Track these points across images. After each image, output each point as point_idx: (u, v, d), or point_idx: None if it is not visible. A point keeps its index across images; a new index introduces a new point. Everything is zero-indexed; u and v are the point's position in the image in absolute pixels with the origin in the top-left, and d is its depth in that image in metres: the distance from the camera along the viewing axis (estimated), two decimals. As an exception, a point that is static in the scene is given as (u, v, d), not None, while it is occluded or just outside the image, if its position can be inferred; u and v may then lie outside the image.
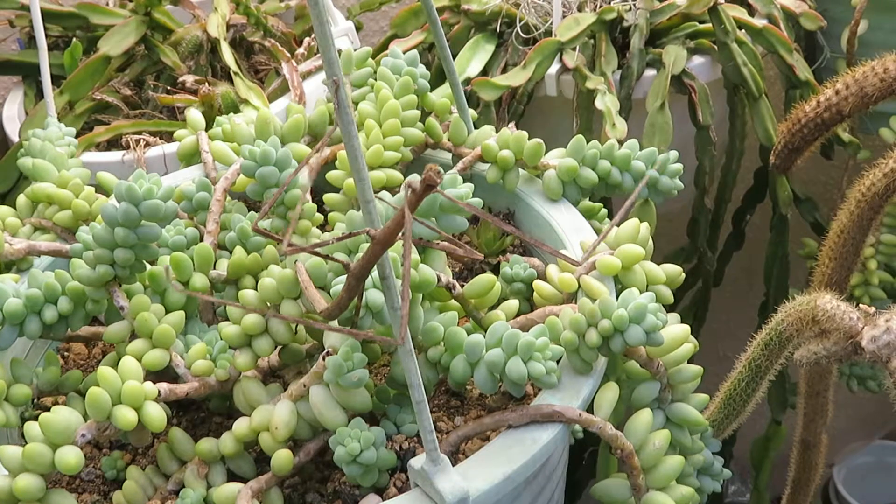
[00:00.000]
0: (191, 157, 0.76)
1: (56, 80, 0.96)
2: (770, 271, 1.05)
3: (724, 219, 1.07)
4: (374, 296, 0.55)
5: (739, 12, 0.97)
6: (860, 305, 0.61)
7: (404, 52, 0.74)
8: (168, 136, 0.92)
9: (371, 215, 0.46)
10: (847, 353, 0.61)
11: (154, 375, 0.58)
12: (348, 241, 0.58)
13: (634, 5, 0.97)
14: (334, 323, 0.55)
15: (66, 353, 0.70)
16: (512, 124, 0.75)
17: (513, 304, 0.63)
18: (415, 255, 0.57)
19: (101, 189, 0.71)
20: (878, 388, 1.03)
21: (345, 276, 0.56)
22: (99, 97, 0.97)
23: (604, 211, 0.77)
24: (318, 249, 0.51)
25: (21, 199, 0.69)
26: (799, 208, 1.04)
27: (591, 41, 0.95)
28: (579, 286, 0.63)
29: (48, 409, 0.65)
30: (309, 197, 0.67)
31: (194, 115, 0.77)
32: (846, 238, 0.79)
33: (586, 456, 1.17)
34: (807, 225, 1.07)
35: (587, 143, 0.71)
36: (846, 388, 1.04)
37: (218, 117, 0.76)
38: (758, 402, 0.73)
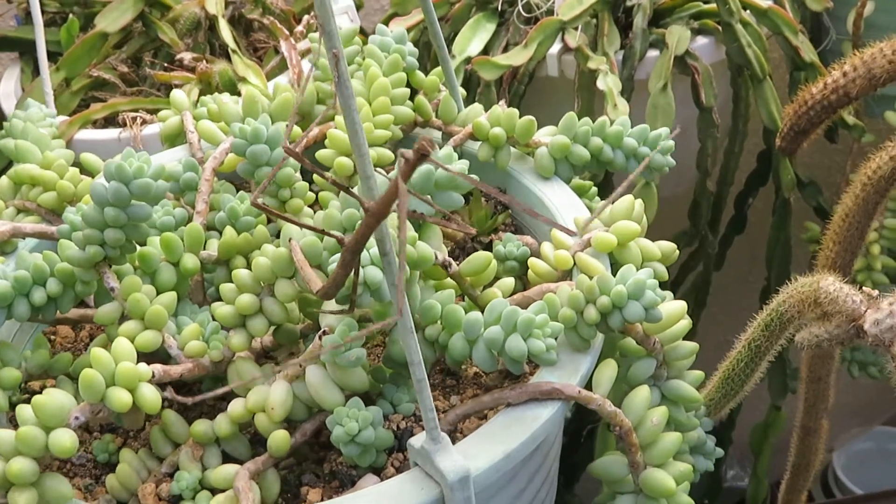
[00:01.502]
0: (175, 137, 0.78)
1: (53, 56, 0.98)
2: (772, 255, 1.07)
3: (726, 202, 1.09)
4: (372, 273, 0.56)
5: (745, -8, 0.98)
6: (863, 289, 0.63)
7: (393, 30, 0.76)
8: (166, 114, 0.93)
9: (372, 191, 0.48)
10: (849, 336, 0.63)
11: (146, 357, 0.59)
12: (343, 218, 0.59)
13: (638, -16, 0.98)
14: (332, 303, 0.57)
15: (52, 337, 0.71)
16: (503, 101, 0.76)
17: (508, 281, 0.65)
18: (412, 232, 0.59)
19: (85, 170, 0.73)
20: (878, 375, 1.05)
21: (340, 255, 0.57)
22: (96, 74, 0.98)
23: (594, 189, 0.79)
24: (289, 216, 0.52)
25: (3, 181, 0.70)
26: (802, 192, 1.06)
27: (594, 21, 0.96)
28: (574, 263, 0.65)
29: (37, 393, 0.66)
30: (299, 175, 0.68)
31: (178, 95, 0.78)
32: (851, 222, 0.81)
33: (584, 436, 1.19)
34: (809, 209, 1.08)
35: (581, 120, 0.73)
36: (847, 373, 1.06)
37: (203, 97, 0.77)
38: (757, 385, 0.75)
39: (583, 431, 1.19)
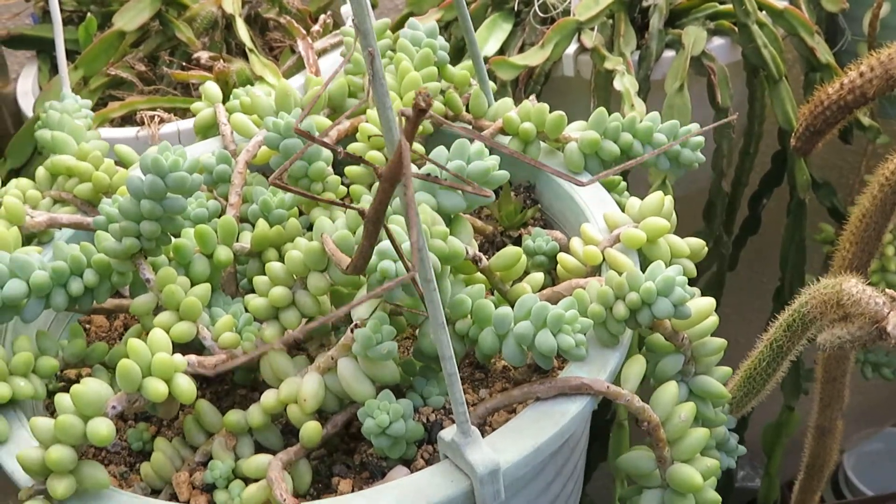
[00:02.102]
0: (207, 129, 0.79)
1: (70, 55, 0.99)
2: (786, 256, 1.08)
3: (740, 202, 1.09)
4: (386, 265, 0.56)
5: (761, -7, 0.99)
6: (886, 291, 0.64)
7: (436, 25, 0.77)
8: (182, 113, 0.94)
9: (406, 188, 0.48)
10: (871, 338, 0.63)
11: (180, 348, 0.60)
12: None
13: (654, -15, 0.99)
14: (364, 292, 0.58)
15: (87, 326, 0.72)
16: (533, 97, 0.77)
17: (538, 276, 0.66)
18: (443, 227, 0.59)
19: (120, 162, 0.74)
20: (892, 376, 1.06)
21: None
22: (113, 73, 0.99)
23: (623, 184, 0.80)
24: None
25: (40, 172, 0.71)
26: (817, 193, 1.06)
27: (610, 21, 0.97)
28: (604, 259, 0.66)
29: (73, 382, 0.67)
30: (331, 169, 0.69)
31: (211, 87, 0.79)
32: (868, 222, 0.81)
33: (596, 434, 1.19)
34: (823, 210, 1.09)
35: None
36: (860, 374, 1.07)
37: (235, 90, 0.78)
38: (772, 386, 0.76)
39: (595, 430, 1.19)
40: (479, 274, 0.64)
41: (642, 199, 0.69)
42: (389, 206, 0.63)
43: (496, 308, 0.59)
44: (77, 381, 0.68)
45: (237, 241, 0.66)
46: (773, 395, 0.78)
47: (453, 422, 0.59)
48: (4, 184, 0.69)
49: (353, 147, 0.71)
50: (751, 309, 1.40)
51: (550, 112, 0.74)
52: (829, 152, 1.17)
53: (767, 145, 1.07)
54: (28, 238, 0.68)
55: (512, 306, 0.60)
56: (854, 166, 1.27)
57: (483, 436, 0.55)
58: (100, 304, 0.63)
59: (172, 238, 0.63)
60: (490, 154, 0.64)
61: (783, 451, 1.24)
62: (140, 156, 0.78)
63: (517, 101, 0.93)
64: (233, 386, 0.66)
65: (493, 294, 0.66)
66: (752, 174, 1.07)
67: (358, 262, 0.55)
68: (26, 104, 1.04)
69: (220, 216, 0.67)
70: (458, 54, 0.98)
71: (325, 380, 0.59)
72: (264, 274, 0.66)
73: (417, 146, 0.72)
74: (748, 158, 1.05)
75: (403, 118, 0.45)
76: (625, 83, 0.89)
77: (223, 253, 0.64)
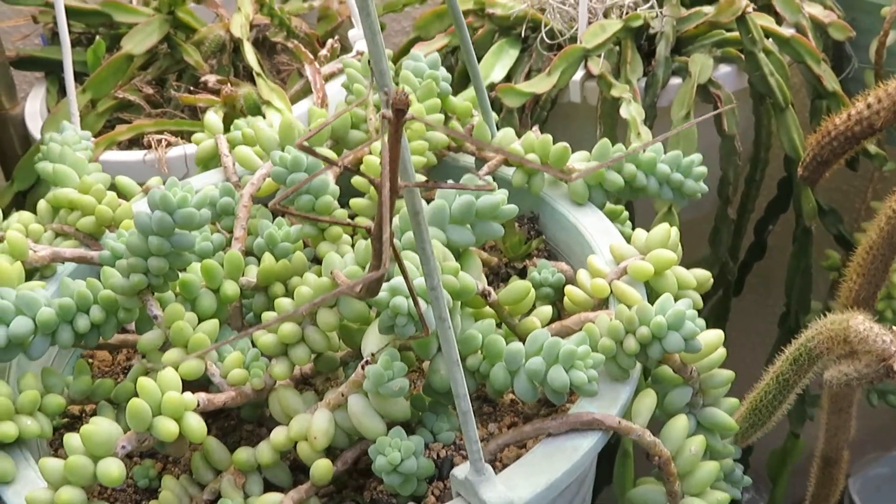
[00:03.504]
0: (208, 160, 0.80)
1: (78, 76, 1.00)
2: (792, 283, 1.09)
3: (746, 228, 1.10)
4: (398, 302, 0.57)
5: (767, 21, 1.00)
6: (894, 328, 0.65)
7: (427, 55, 0.78)
8: (189, 136, 0.96)
9: (420, 226, 0.49)
10: (878, 375, 0.64)
11: (187, 384, 0.61)
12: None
13: (661, 12, 1.00)
14: (375, 331, 0.59)
15: (90, 360, 0.73)
16: (536, 128, 0.78)
17: (546, 310, 0.67)
18: (454, 263, 0.61)
19: (121, 193, 0.75)
20: (898, 403, 1.08)
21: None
22: (121, 95, 1.01)
23: (625, 214, 0.81)
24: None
25: (42, 205, 0.72)
26: (822, 220, 1.08)
27: (617, 48, 0.98)
28: (611, 291, 0.67)
29: (76, 418, 0.68)
30: (337, 204, 0.70)
31: (212, 118, 0.80)
32: (875, 254, 0.82)
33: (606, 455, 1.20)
34: (829, 235, 1.10)
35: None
36: (865, 400, 1.08)
37: (236, 121, 0.79)
38: (778, 418, 0.77)
39: (599, 455, 1.20)
40: (488, 308, 0.65)
41: (647, 225, 0.70)
42: (397, 226, 0.64)
43: (506, 343, 0.60)
44: (80, 417, 0.69)
45: (243, 275, 0.67)
46: (778, 420, 0.79)
47: (464, 458, 0.60)
48: (11, 207, 0.70)
49: (357, 181, 0.72)
50: (755, 332, 1.41)
51: (554, 142, 0.75)
52: (834, 177, 1.18)
53: (774, 171, 1.08)
54: (30, 272, 0.68)
55: (521, 340, 0.61)
56: (860, 190, 1.29)
57: (494, 472, 0.56)
58: (105, 341, 0.64)
59: (179, 274, 0.64)
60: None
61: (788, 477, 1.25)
62: (142, 183, 0.79)
63: (523, 128, 0.95)
64: (239, 421, 0.67)
65: (500, 327, 0.67)
66: (757, 200, 1.09)
67: (371, 283, 0.56)
68: (34, 126, 1.05)
69: (223, 249, 0.68)
70: (464, 79, 1.00)
71: (335, 416, 0.60)
72: (270, 308, 0.68)
73: (419, 177, 0.73)
74: (754, 185, 1.06)
75: (384, 121, 0.46)
76: (631, 111, 0.91)
77: (230, 288, 0.65)
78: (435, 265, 0.51)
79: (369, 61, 0.80)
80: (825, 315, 0.69)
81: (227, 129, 0.81)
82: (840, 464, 1.01)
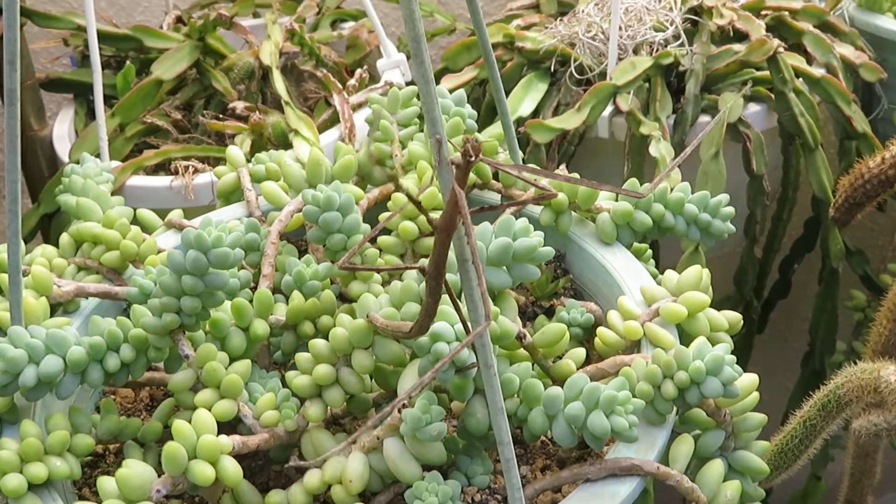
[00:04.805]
0: (230, 193, 0.80)
1: (106, 100, 1.01)
2: (817, 323, 1.10)
3: (771, 267, 1.11)
4: (440, 348, 0.57)
5: (798, 61, 1.01)
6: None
7: (456, 88, 0.78)
8: (216, 162, 0.96)
9: (469, 273, 0.49)
10: (908, 426, 0.66)
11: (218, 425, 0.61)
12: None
13: (691, 50, 1.01)
14: (414, 373, 0.59)
15: (112, 397, 0.72)
16: (563, 166, 0.79)
17: (580, 352, 0.67)
18: (494, 308, 0.61)
19: (143, 227, 0.74)
20: (921, 444, 1.08)
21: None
22: (149, 120, 1.01)
23: (649, 252, 0.82)
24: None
25: (65, 239, 0.72)
26: (849, 261, 1.08)
27: (646, 85, 0.99)
28: (644, 333, 0.68)
29: (100, 456, 0.68)
30: (368, 243, 0.70)
31: (234, 151, 0.80)
32: (905, 300, 0.83)
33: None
34: (855, 275, 1.11)
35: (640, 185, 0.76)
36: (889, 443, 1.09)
37: (258, 154, 0.79)
38: (803, 461, 0.77)
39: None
40: (522, 350, 0.65)
41: (671, 262, 0.71)
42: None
43: (546, 388, 0.60)
44: (103, 456, 0.69)
45: (271, 313, 0.67)
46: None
47: (498, 501, 0.60)
48: (37, 229, 0.69)
49: (384, 217, 0.72)
50: (777, 368, 1.42)
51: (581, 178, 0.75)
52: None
53: (801, 210, 1.09)
54: (53, 307, 0.68)
55: (554, 382, 0.61)
56: (885, 229, 1.29)
57: (531, 518, 0.56)
58: (135, 380, 0.64)
59: (211, 313, 0.63)
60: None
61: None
62: (168, 211, 0.79)
63: (550, 163, 0.95)
64: (266, 461, 0.67)
65: (532, 368, 0.67)
66: (783, 239, 1.09)
67: (424, 321, 0.56)
68: (62, 149, 1.05)
69: (250, 287, 0.67)
70: (491, 111, 1.00)
71: (370, 459, 0.60)
72: (299, 347, 0.67)
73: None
74: (781, 224, 1.07)
75: (453, 167, 0.47)
76: (660, 149, 0.91)
77: (260, 326, 0.65)
78: (482, 311, 0.51)
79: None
80: (850, 356, 0.70)
81: (253, 155, 0.81)
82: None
